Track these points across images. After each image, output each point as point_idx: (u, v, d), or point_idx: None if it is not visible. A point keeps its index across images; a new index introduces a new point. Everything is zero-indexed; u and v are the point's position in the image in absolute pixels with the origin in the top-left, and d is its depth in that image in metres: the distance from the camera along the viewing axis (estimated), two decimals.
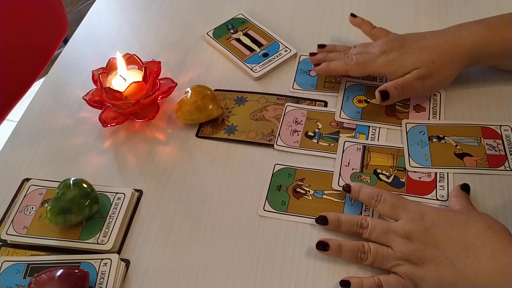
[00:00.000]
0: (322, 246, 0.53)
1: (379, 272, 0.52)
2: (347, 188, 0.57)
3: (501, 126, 0.63)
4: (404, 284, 0.50)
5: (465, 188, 0.56)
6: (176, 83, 0.69)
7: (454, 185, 0.58)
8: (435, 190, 0.58)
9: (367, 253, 0.52)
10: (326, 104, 0.68)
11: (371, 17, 0.79)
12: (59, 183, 0.58)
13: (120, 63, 0.67)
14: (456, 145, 0.61)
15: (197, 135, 0.67)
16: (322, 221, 0.55)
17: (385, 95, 0.62)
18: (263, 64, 0.73)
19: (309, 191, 0.59)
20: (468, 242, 0.48)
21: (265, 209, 0.58)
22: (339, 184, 0.59)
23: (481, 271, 0.46)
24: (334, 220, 0.55)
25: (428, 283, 0.49)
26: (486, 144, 0.61)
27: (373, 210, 0.57)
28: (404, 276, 0.50)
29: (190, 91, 0.67)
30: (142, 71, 0.67)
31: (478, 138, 0.62)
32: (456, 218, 0.51)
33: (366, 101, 0.68)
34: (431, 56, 0.62)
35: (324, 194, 0.59)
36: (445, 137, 0.62)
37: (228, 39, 0.77)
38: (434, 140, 0.62)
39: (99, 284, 0.52)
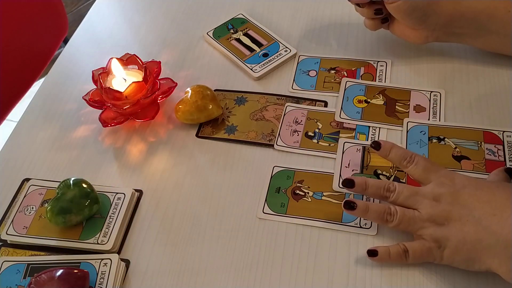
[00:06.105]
0: (349, 205, 0.52)
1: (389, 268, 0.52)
2: (376, 146, 0.56)
3: (504, 132, 0.62)
4: (428, 246, 0.50)
5: (508, 171, 0.55)
6: (176, 83, 0.69)
7: None
8: None
9: (393, 215, 0.51)
10: (326, 104, 0.68)
11: None
12: (59, 183, 0.58)
13: (117, 68, 0.67)
14: (455, 148, 0.61)
15: (197, 135, 0.67)
16: (348, 184, 0.54)
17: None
18: (263, 64, 0.73)
19: (308, 192, 0.59)
20: (497, 202, 0.48)
21: (264, 211, 0.58)
22: (340, 185, 0.59)
23: (506, 228, 0.46)
24: (360, 183, 0.53)
25: (452, 242, 0.49)
26: (486, 148, 0.61)
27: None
28: (428, 238, 0.50)
29: (190, 91, 0.67)
30: (142, 71, 0.67)
31: (479, 142, 0.61)
32: (487, 183, 0.51)
33: (366, 101, 0.68)
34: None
35: (324, 195, 0.59)
36: (445, 139, 0.62)
37: (228, 39, 0.77)
38: (434, 140, 0.62)
39: (99, 284, 0.52)
